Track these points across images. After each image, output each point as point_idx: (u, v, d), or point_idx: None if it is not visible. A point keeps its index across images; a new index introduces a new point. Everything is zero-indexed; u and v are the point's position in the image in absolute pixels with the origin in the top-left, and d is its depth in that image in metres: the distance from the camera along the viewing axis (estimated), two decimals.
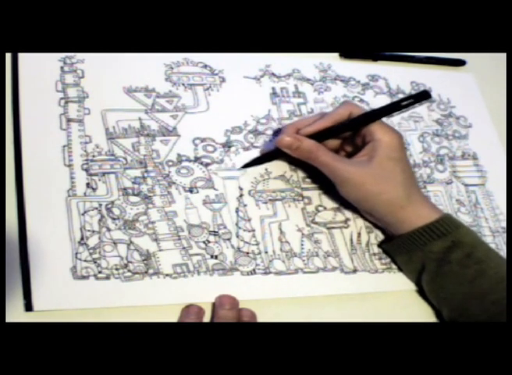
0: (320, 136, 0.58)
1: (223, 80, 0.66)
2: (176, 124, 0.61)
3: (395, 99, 0.68)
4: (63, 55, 0.61)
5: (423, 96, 0.58)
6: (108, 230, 0.54)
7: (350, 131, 0.59)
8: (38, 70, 0.59)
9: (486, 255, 0.56)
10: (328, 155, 0.57)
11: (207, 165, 0.60)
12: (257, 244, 0.57)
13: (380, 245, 0.61)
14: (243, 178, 0.60)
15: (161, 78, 0.64)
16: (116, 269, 0.52)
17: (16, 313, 0.48)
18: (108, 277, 0.52)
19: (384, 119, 0.58)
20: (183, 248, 0.55)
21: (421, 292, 0.59)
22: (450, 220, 0.56)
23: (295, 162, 0.62)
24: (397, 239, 0.58)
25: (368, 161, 0.56)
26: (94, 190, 0.55)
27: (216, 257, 0.55)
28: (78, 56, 0.62)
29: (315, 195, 0.62)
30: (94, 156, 0.57)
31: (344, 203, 0.61)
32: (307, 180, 0.62)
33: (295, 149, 0.57)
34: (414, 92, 0.74)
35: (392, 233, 0.59)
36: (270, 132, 0.64)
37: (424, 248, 0.56)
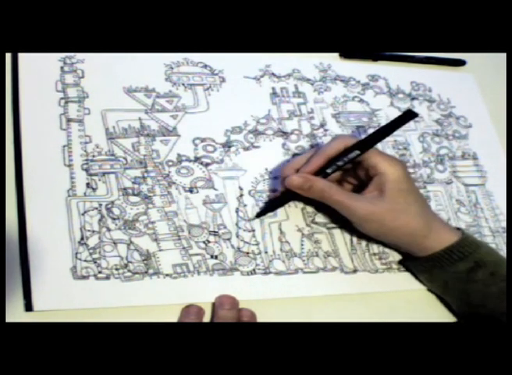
0: (323, 173, 0.56)
1: (223, 80, 0.66)
2: (176, 124, 0.61)
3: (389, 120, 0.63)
4: (63, 55, 0.61)
5: (410, 115, 0.58)
6: (108, 230, 0.54)
7: (351, 163, 0.57)
8: (38, 70, 0.59)
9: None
10: (341, 193, 0.56)
11: (207, 165, 0.60)
12: (257, 244, 0.57)
13: (401, 262, 0.60)
14: (243, 178, 0.60)
15: (161, 78, 0.64)
16: (116, 269, 0.52)
17: (16, 313, 0.48)
18: (108, 277, 0.52)
19: None
20: (183, 248, 0.55)
21: (420, 292, 0.60)
22: (471, 241, 0.57)
23: (304, 201, 0.60)
24: (419, 260, 0.58)
25: (379, 196, 0.55)
26: (94, 190, 0.55)
27: (216, 257, 0.55)
28: (78, 56, 0.62)
29: None
30: (94, 156, 0.57)
31: None
32: None
33: (307, 189, 0.55)
34: (414, 92, 0.74)
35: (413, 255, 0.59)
36: (270, 132, 0.64)
37: (447, 269, 0.56)
